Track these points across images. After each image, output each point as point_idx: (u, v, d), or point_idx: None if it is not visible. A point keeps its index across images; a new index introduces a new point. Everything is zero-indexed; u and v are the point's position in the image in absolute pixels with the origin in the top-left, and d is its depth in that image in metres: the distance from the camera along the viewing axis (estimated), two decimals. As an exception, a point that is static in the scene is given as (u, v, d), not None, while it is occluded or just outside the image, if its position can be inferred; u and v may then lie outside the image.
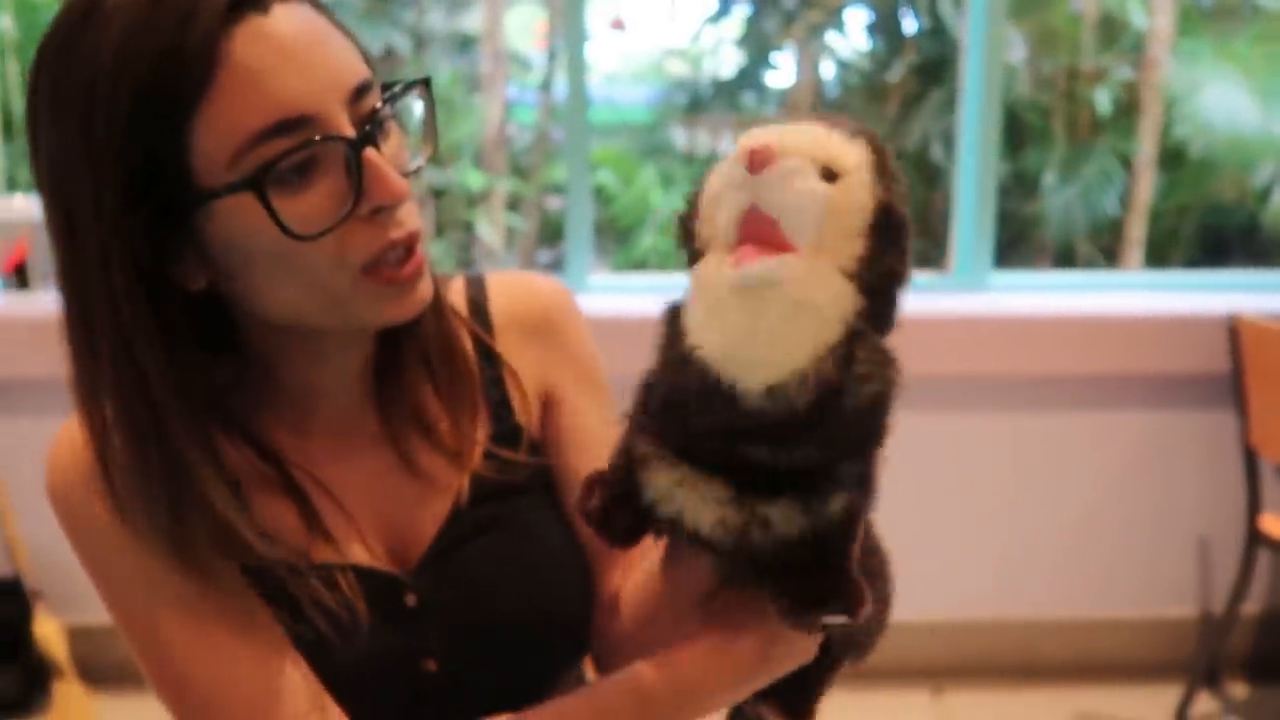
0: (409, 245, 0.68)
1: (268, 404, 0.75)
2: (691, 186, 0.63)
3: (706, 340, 0.57)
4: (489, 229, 5.75)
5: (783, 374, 0.54)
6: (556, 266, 5.96)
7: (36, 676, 2.16)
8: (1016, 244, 5.72)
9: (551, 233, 6.03)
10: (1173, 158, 5.46)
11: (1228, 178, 5.52)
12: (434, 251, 5.56)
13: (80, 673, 2.12)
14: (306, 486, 0.75)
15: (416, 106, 0.73)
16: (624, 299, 2.41)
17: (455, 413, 0.77)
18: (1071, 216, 5.47)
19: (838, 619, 0.61)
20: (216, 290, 0.68)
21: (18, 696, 2.19)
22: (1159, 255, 5.62)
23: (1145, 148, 5.33)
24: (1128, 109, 5.47)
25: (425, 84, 0.70)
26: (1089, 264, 5.64)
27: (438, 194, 5.72)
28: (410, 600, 0.75)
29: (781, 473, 0.59)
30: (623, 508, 0.66)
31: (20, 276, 2.38)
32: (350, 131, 0.64)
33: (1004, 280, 2.55)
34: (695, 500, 0.61)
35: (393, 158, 0.67)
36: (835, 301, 0.55)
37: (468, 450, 0.77)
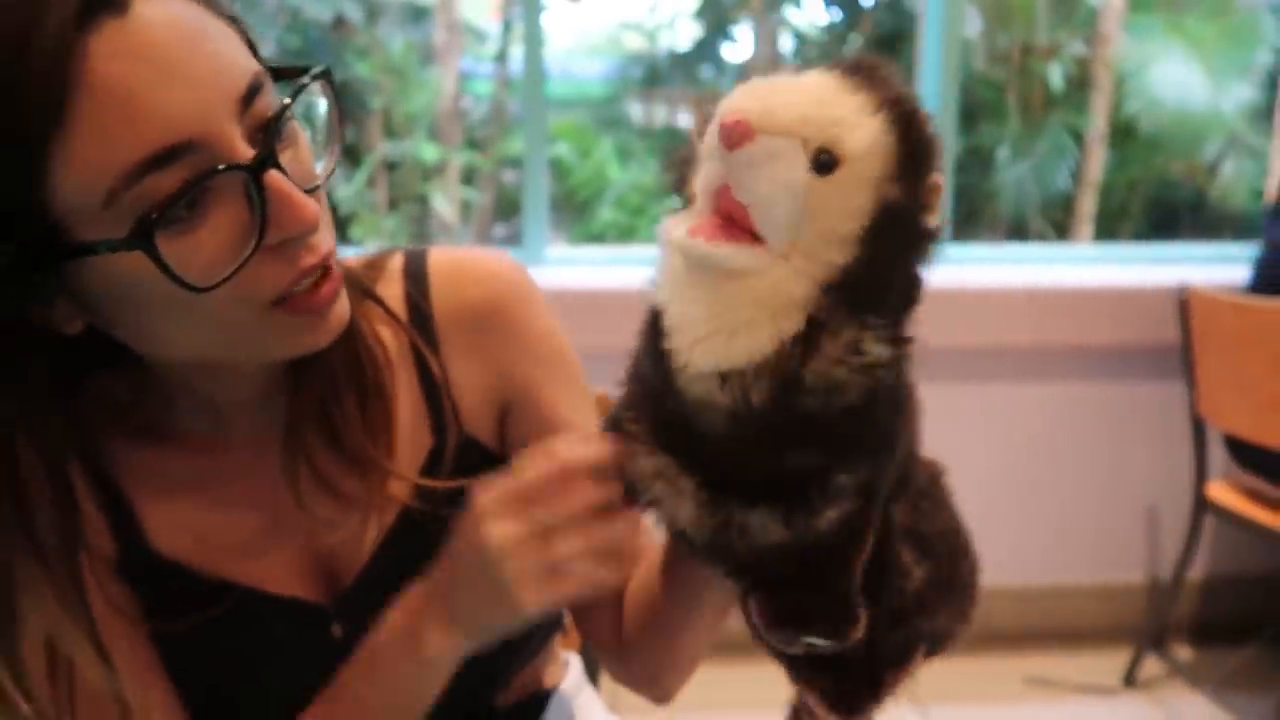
0: (324, 268, 0.58)
1: (178, 418, 0.67)
2: (696, 120, 0.52)
3: (664, 307, 0.50)
4: (444, 202, 5.67)
5: (733, 362, 0.47)
6: (513, 240, 5.91)
7: None
8: (971, 218, 5.78)
9: (507, 206, 5.97)
10: (1123, 134, 5.53)
11: (1176, 153, 5.61)
12: (388, 226, 5.48)
13: None
14: (219, 504, 0.68)
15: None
16: (582, 272, 2.39)
17: (363, 431, 0.68)
18: (1024, 191, 5.53)
19: (821, 640, 0.55)
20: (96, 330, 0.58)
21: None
22: (1109, 229, 5.71)
23: (1096, 123, 5.40)
24: (1080, 85, 5.53)
25: (326, 76, 0.59)
26: (1041, 238, 5.71)
27: (392, 167, 5.63)
28: (336, 631, 0.70)
29: (766, 474, 0.52)
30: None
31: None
32: (246, 151, 0.53)
33: (959, 253, 2.57)
34: (671, 493, 0.53)
35: (298, 171, 0.56)
36: (797, 304, 0.47)
37: (380, 470, 0.68)
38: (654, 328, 0.51)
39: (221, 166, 0.52)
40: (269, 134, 0.54)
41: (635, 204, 5.83)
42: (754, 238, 0.47)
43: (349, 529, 0.69)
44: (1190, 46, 5.17)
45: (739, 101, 0.47)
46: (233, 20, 0.56)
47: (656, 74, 6.65)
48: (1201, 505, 2.11)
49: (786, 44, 6.43)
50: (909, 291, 0.49)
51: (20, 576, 0.57)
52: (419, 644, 0.60)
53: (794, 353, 0.47)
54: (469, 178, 5.88)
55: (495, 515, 0.55)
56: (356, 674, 0.64)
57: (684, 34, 6.51)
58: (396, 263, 0.73)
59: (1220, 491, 2.12)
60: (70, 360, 0.60)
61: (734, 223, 0.47)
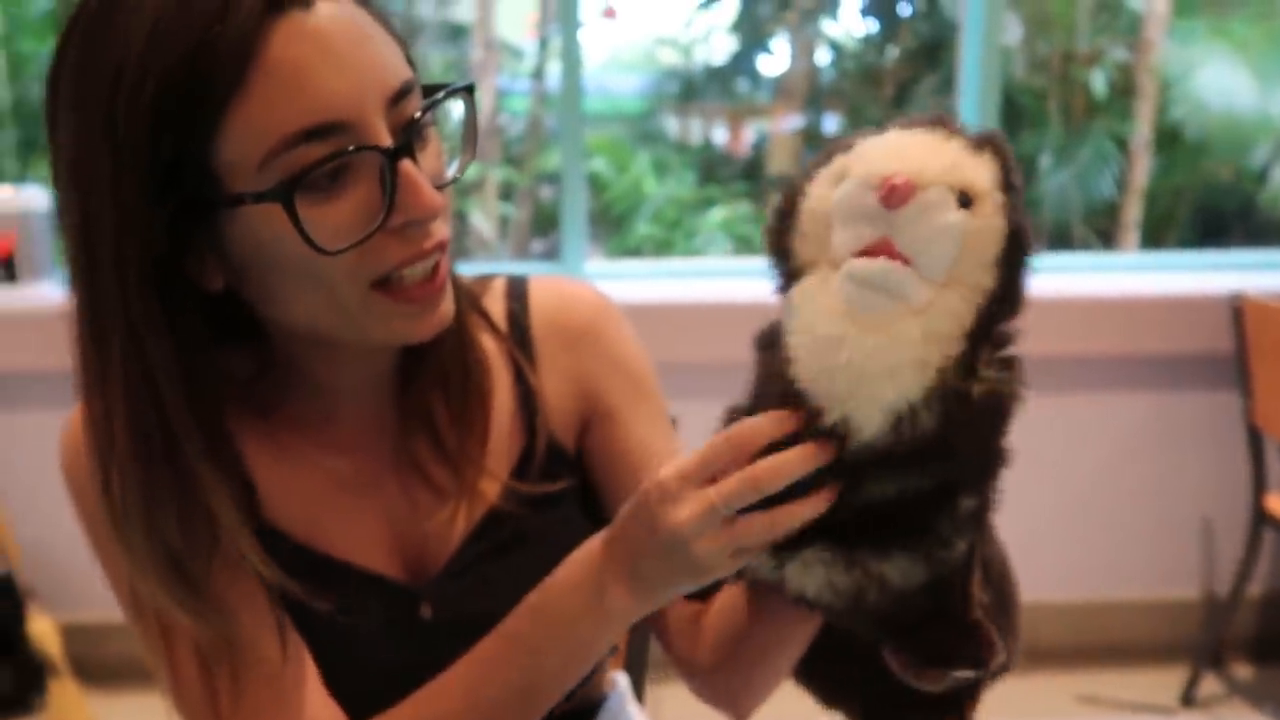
0: (435, 261, 0.64)
1: (291, 396, 0.73)
2: (779, 194, 0.58)
3: (815, 376, 0.53)
4: (482, 218, 5.72)
5: (903, 403, 0.52)
6: (551, 255, 5.93)
7: (31, 674, 2.14)
8: (1012, 228, 5.69)
9: (545, 221, 6.00)
10: (1168, 139, 5.44)
11: (1223, 159, 5.50)
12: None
13: (75, 670, 2.10)
14: (322, 481, 0.73)
15: (454, 108, 0.69)
16: (620, 285, 2.39)
17: (462, 430, 0.74)
18: (1067, 199, 5.45)
19: (967, 672, 0.58)
20: (234, 291, 0.65)
21: (12, 694, 2.16)
22: (1155, 237, 5.60)
23: (1141, 130, 5.32)
24: (1123, 91, 5.45)
25: (468, 90, 0.67)
26: (1085, 246, 5.62)
27: (430, 184, 5.68)
28: (426, 613, 0.73)
29: (897, 518, 0.56)
30: None
31: (8, 269, 2.34)
32: (387, 139, 0.60)
33: (1003, 262, 2.52)
34: (796, 566, 0.57)
35: (429, 168, 0.63)
36: (963, 329, 0.53)
37: (471, 469, 0.74)
38: (783, 393, 0.54)
39: (363, 146, 0.59)
40: (409, 131, 0.62)
41: (672, 217, 5.83)
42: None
43: (441, 518, 0.75)
44: (1236, 50, 5.08)
45: (888, 164, 0.52)
46: (399, 37, 0.64)
47: (692, 88, 6.65)
48: (1260, 518, 2.06)
49: (823, 56, 6.40)
50: (1025, 300, 0.57)
51: (198, 480, 0.63)
52: (601, 598, 0.63)
53: (959, 371, 0.53)
54: (507, 194, 5.92)
55: (680, 498, 0.58)
56: (532, 624, 0.67)
57: (719, 48, 6.51)
58: (500, 284, 0.81)
59: (1280, 504, 2.06)
60: (208, 325, 0.65)
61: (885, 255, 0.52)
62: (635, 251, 5.76)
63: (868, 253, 0.52)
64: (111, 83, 0.57)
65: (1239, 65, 5.02)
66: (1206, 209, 5.78)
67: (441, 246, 0.64)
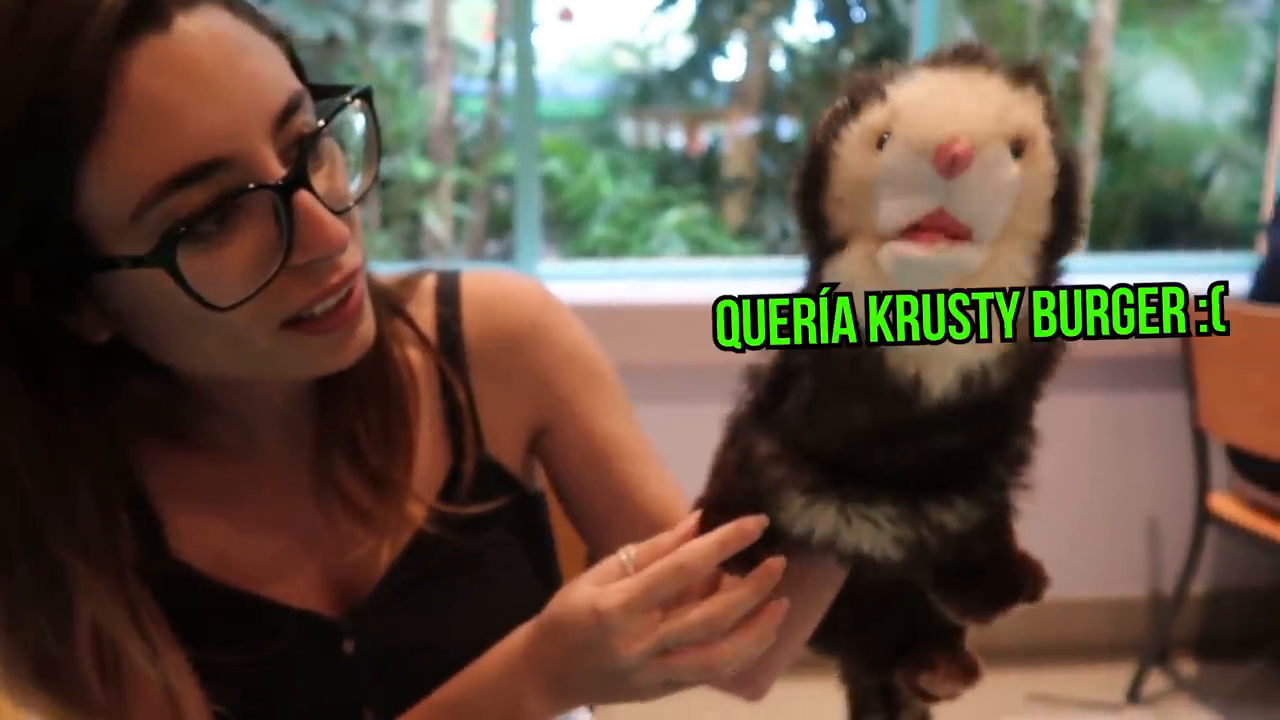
0: (348, 287, 0.58)
1: (204, 423, 0.67)
2: (805, 156, 0.52)
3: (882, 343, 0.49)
4: (436, 219, 5.66)
5: (975, 363, 0.50)
6: (506, 256, 5.90)
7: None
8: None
9: (500, 223, 5.96)
10: (1115, 146, 5.55)
11: (1168, 165, 5.62)
12: (380, 243, 5.47)
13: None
14: (243, 515, 0.69)
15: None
16: (575, 286, 2.38)
17: (385, 450, 0.69)
18: (1017, 204, 5.52)
19: (1024, 605, 0.60)
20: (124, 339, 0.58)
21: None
22: (1101, 241, 5.71)
23: (1088, 136, 5.41)
24: (1071, 98, 5.55)
25: (365, 97, 0.58)
26: (1034, 251, 5.70)
27: (384, 184, 5.62)
28: (348, 647, 0.70)
29: (960, 466, 0.55)
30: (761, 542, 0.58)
31: None
32: (278, 168, 0.53)
33: (955, 266, 2.55)
34: (866, 528, 0.56)
35: (330, 190, 0.56)
36: (1019, 281, 0.49)
37: (399, 491, 0.69)
38: (844, 358, 0.51)
39: (249, 186, 0.51)
40: (302, 153, 0.53)
41: (627, 219, 5.83)
42: (958, 237, 0.48)
43: (366, 546, 0.70)
44: (1180, 59, 5.19)
45: (940, 126, 0.46)
46: (278, 37, 0.56)
47: (649, 91, 6.66)
48: (1204, 518, 2.09)
49: (779, 60, 6.44)
50: (1082, 235, 0.53)
51: (69, 572, 0.57)
52: (519, 706, 0.61)
53: (1022, 329, 0.50)
54: (461, 195, 5.88)
55: (625, 631, 0.55)
56: None
57: (675, 51, 6.52)
58: (429, 284, 0.74)
59: (1223, 503, 2.10)
60: (102, 364, 0.59)
61: (942, 232, 0.48)
62: (591, 253, 5.74)
63: (921, 227, 0.47)
64: None
65: (1183, 74, 5.14)
66: (1152, 214, 5.91)
67: (352, 276, 0.58)
